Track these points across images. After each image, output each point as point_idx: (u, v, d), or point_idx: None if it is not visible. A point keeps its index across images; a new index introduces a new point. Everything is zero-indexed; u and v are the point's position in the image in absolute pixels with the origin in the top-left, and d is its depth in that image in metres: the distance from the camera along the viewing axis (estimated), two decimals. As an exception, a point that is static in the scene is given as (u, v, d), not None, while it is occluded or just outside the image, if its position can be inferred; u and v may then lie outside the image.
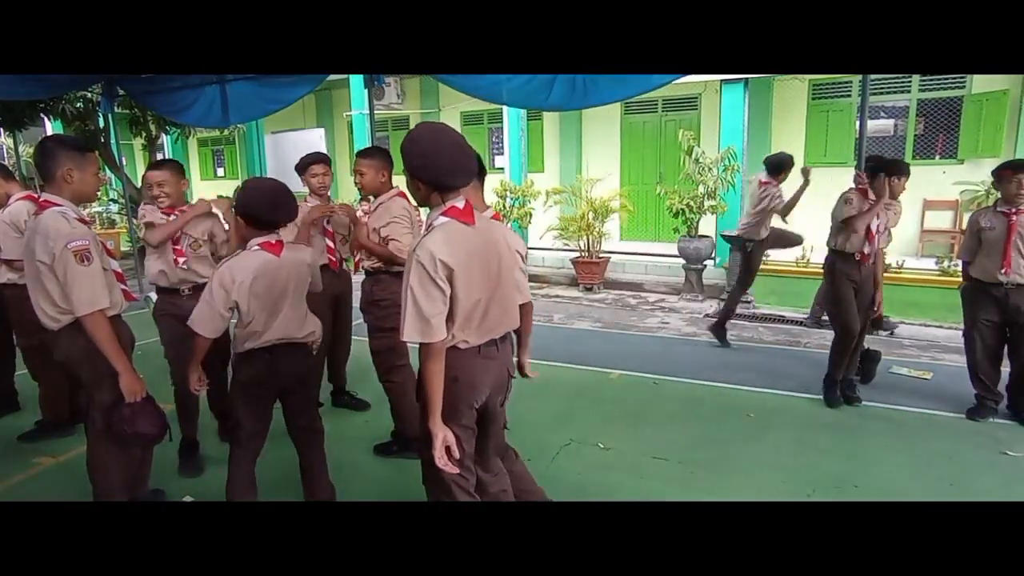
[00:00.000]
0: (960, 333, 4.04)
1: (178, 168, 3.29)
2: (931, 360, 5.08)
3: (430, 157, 1.91)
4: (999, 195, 3.81)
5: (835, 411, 3.94)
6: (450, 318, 1.92)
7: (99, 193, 2.16)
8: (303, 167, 3.77)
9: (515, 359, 2.34)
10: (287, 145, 12.60)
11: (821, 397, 4.09)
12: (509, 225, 7.42)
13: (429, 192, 1.96)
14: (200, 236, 3.23)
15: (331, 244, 3.83)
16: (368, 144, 4.27)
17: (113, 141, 9.16)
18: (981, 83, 8.09)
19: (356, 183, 3.38)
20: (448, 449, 1.91)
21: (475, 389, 2.02)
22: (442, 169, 1.92)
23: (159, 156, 11.04)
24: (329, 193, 3.91)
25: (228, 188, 13.50)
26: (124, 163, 9.30)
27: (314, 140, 12.74)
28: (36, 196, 3.23)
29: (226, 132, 11.90)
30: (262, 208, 2.41)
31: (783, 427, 3.74)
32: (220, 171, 15.32)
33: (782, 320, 6.45)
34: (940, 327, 6.12)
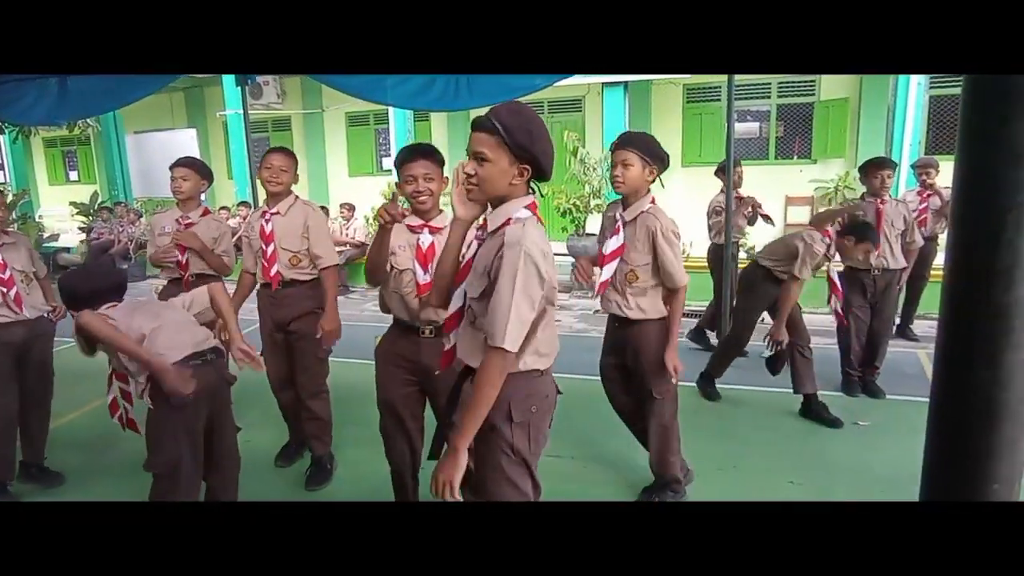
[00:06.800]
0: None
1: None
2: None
3: (549, 144, 1.67)
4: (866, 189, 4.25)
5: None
6: (531, 336, 1.65)
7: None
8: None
9: None
10: (153, 147, 11.59)
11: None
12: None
13: (525, 185, 1.68)
14: None
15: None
16: (244, 146, 3.98)
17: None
18: (827, 91, 8.97)
19: (267, 181, 2.99)
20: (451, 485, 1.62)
21: (551, 413, 1.79)
22: (552, 156, 1.69)
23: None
24: (202, 199, 3.56)
25: (84, 194, 12.19)
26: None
27: (184, 141, 11.80)
28: None
29: (77, 131, 10.65)
30: None
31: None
32: (73, 175, 13.85)
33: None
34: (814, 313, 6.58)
